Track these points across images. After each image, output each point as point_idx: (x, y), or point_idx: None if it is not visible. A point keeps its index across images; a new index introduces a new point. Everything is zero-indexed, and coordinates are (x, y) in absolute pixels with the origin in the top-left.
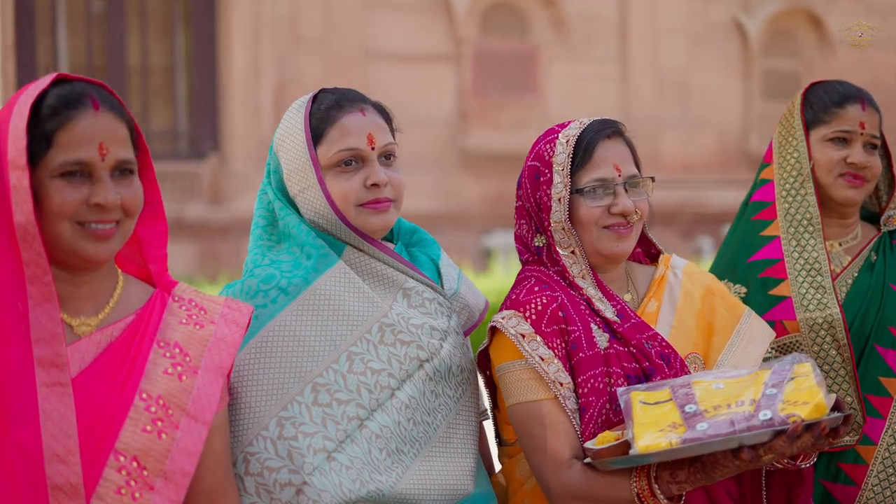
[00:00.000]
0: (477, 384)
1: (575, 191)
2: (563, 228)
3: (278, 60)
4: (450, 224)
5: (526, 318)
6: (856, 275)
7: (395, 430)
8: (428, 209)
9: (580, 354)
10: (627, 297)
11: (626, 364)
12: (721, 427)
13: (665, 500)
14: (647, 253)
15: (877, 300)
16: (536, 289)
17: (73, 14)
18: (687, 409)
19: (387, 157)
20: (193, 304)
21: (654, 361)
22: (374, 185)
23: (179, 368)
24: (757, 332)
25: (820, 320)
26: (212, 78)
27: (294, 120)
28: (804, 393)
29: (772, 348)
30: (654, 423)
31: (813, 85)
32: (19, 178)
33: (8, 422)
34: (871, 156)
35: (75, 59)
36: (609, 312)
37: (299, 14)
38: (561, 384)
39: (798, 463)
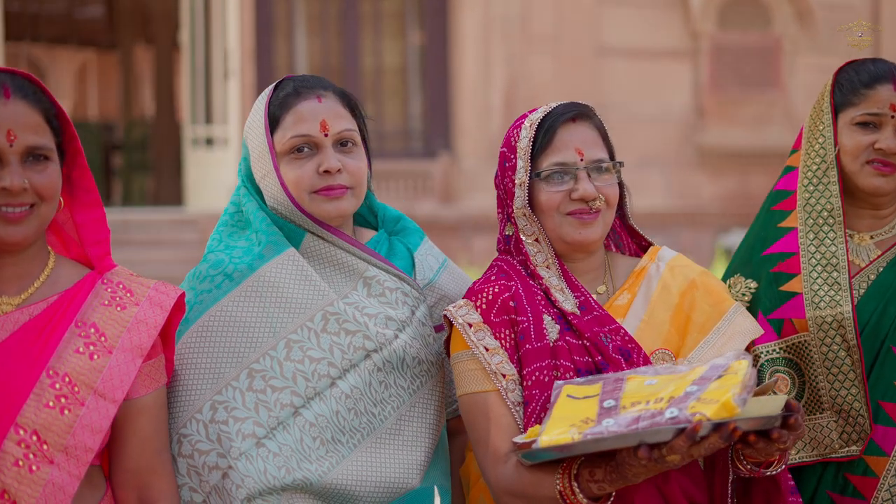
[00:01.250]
0: (443, 377)
1: (535, 176)
2: (525, 215)
3: (508, 59)
4: (685, 223)
5: (476, 308)
6: (881, 269)
7: (331, 419)
8: (662, 207)
9: (527, 346)
10: (601, 289)
11: (577, 357)
12: (623, 423)
13: (585, 500)
14: (641, 246)
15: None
16: (493, 278)
17: (311, 17)
18: (605, 404)
19: (343, 143)
20: (122, 286)
21: (609, 356)
22: (325, 171)
23: (92, 348)
24: (740, 329)
25: (830, 319)
26: (444, 77)
27: (257, 107)
28: (722, 391)
29: (779, 349)
30: (569, 417)
31: (847, 64)
32: None
33: None
34: None
35: (313, 62)
36: (568, 304)
37: (531, 12)
38: (504, 376)
39: (762, 470)
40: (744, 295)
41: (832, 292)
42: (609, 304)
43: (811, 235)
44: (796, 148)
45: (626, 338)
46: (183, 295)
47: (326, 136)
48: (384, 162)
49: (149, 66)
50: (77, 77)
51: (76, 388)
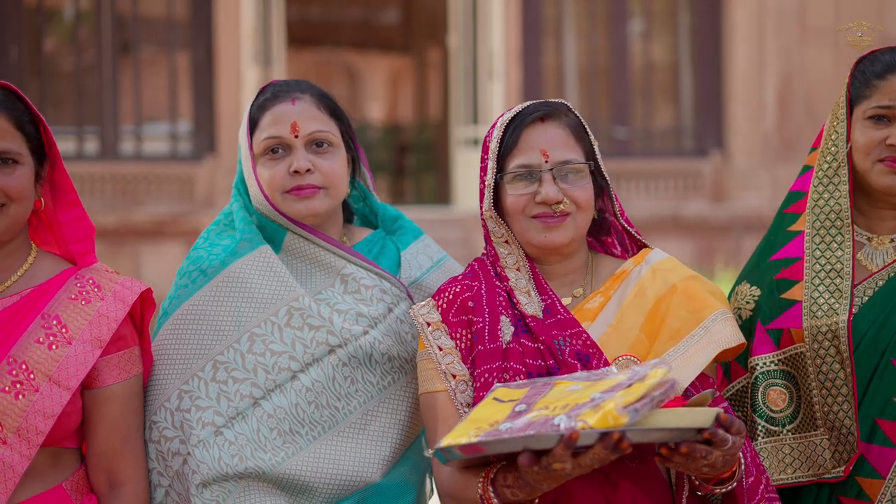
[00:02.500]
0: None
1: (500, 178)
2: (492, 217)
3: (783, 53)
4: None
5: (437, 307)
6: (891, 275)
7: (290, 411)
8: None
9: (479, 347)
10: (578, 292)
11: (529, 360)
12: (517, 428)
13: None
14: (638, 246)
15: None
16: (459, 277)
17: (579, 16)
18: (517, 408)
19: (318, 144)
20: (91, 281)
21: (562, 360)
22: (295, 171)
23: (52, 339)
24: (715, 338)
25: (825, 329)
26: (715, 73)
27: (244, 111)
28: (613, 400)
29: (777, 360)
30: (482, 419)
31: (868, 53)
32: None
33: None
34: None
35: (580, 61)
36: (530, 307)
37: (807, 4)
38: (454, 376)
39: (710, 486)
40: (747, 303)
41: (832, 300)
42: (579, 307)
43: (817, 239)
44: (816, 146)
45: (588, 342)
46: (149, 290)
47: (297, 137)
48: (653, 161)
49: (439, 69)
50: (389, 81)
51: (32, 376)
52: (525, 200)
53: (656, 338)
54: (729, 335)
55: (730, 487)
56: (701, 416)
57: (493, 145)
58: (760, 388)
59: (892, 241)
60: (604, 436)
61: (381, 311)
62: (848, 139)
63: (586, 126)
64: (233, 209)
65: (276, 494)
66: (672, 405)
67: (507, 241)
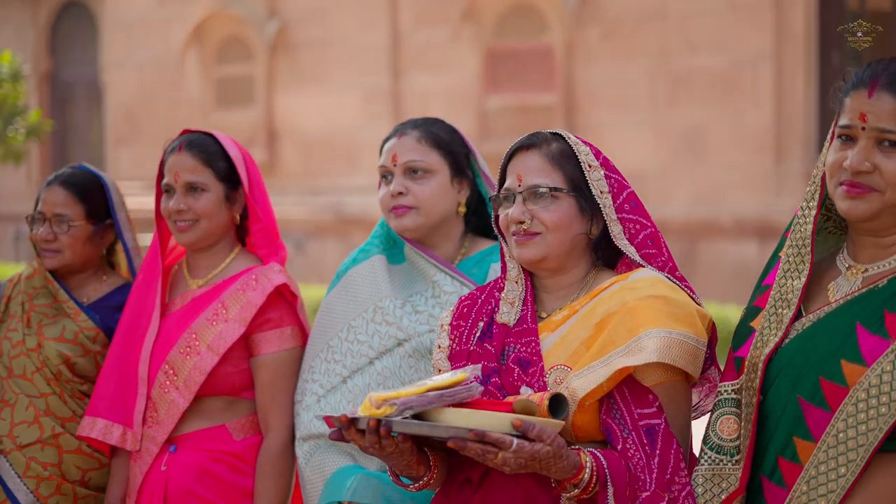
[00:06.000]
0: None
1: (494, 200)
2: (498, 234)
3: None
4: None
5: (452, 312)
6: (833, 310)
7: (364, 389)
8: None
9: (456, 348)
10: (573, 304)
11: (484, 362)
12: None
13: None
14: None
15: (826, 341)
16: (481, 286)
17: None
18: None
19: (414, 171)
20: (254, 277)
21: (504, 364)
22: (391, 194)
23: (216, 317)
24: (633, 353)
25: (755, 360)
26: None
27: None
28: (388, 394)
29: (731, 389)
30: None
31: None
32: None
33: (134, 337)
34: (885, 156)
35: None
36: (505, 316)
37: None
38: (439, 371)
39: (558, 490)
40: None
41: (770, 331)
42: (548, 319)
43: (786, 267)
44: None
45: (533, 350)
46: (285, 285)
47: (395, 165)
48: None
49: None
50: None
51: (198, 343)
52: (506, 220)
53: (587, 350)
54: (648, 353)
55: (573, 493)
56: (489, 420)
57: (500, 171)
58: (715, 416)
59: (865, 271)
60: (371, 422)
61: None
62: None
63: (579, 156)
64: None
65: (347, 455)
66: (502, 409)
67: (511, 256)
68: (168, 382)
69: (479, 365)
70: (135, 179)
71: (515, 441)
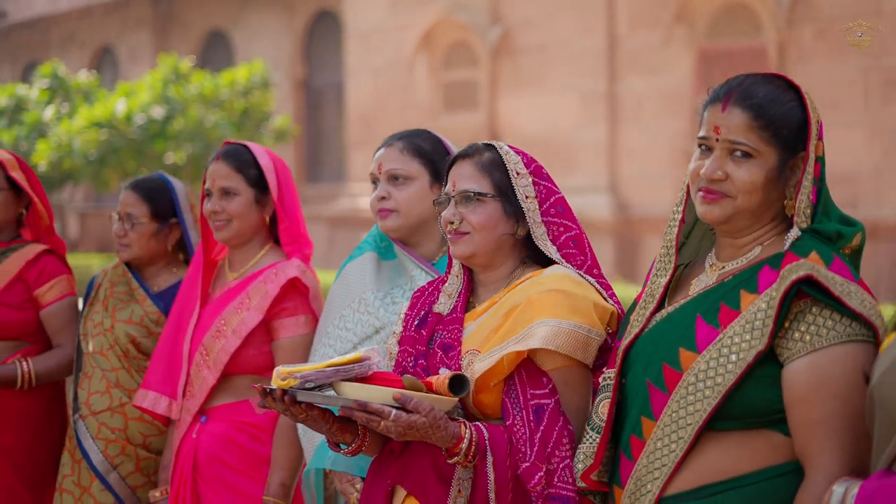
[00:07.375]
0: None
1: (438, 203)
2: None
3: None
4: None
5: (410, 302)
6: (688, 301)
7: None
8: None
9: (405, 333)
10: (496, 296)
11: (418, 346)
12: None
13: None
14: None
15: (673, 330)
16: (432, 280)
17: None
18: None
19: (395, 178)
20: (276, 271)
21: (430, 348)
22: (376, 198)
23: (241, 306)
24: (522, 339)
25: (620, 350)
26: None
27: None
28: (298, 368)
29: (609, 377)
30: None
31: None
32: None
33: (180, 322)
34: (737, 165)
35: None
36: (440, 306)
37: None
38: (390, 353)
39: (446, 458)
40: None
41: (637, 322)
42: (475, 309)
43: (657, 266)
44: None
45: (455, 336)
46: (296, 278)
47: (380, 172)
48: None
49: None
50: None
51: (225, 328)
52: (443, 221)
53: (493, 337)
54: (536, 339)
55: (454, 460)
56: (374, 394)
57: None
58: (598, 400)
59: (722, 268)
60: (278, 391)
61: None
62: None
63: (507, 164)
64: None
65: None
66: (396, 386)
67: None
68: (202, 361)
69: (381, 346)
70: (368, 181)
71: (394, 412)
